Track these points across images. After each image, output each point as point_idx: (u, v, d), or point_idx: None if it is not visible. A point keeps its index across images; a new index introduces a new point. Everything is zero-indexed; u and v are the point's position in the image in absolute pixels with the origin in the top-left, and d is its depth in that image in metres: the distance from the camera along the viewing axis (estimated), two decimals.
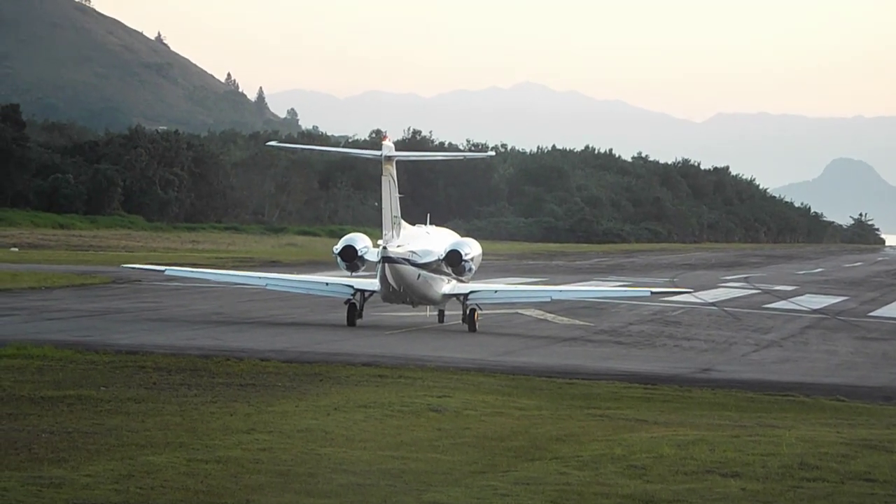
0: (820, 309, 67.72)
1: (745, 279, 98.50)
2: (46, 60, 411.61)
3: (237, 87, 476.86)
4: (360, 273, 48.85)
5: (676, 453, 22.45)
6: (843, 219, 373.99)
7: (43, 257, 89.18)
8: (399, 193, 47.31)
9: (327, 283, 49.81)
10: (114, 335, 40.55)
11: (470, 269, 48.46)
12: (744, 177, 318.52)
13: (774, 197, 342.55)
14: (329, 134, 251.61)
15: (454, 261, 47.70)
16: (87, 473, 19.37)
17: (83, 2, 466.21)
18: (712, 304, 67.91)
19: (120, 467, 19.89)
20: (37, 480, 18.77)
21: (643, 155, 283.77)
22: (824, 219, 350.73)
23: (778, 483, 20.48)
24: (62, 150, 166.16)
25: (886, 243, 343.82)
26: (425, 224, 51.17)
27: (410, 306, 49.56)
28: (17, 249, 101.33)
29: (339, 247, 48.33)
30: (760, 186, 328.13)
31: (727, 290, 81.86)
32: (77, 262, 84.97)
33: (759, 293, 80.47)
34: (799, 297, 76.83)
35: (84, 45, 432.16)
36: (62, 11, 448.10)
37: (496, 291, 50.78)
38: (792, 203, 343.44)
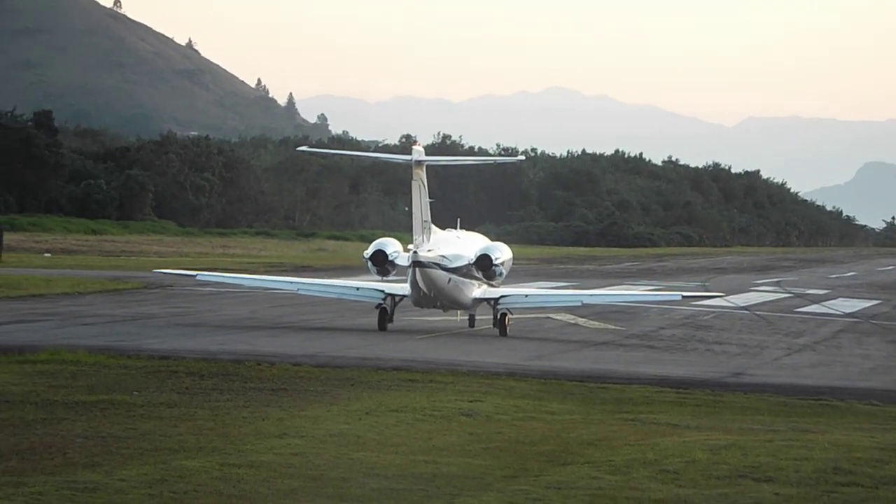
0: (853, 313, 67.38)
1: (777, 283, 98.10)
2: (79, 67, 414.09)
3: (267, 92, 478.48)
4: (391, 278, 48.91)
5: (709, 458, 22.39)
6: (876, 222, 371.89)
7: (76, 263, 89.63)
8: (429, 198, 47.34)
9: (358, 288, 49.87)
10: (146, 340, 40.71)
11: (500, 274, 48.42)
12: (775, 180, 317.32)
13: (806, 201, 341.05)
14: (359, 139, 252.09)
15: (484, 265, 47.67)
16: (120, 478, 19.46)
17: (115, 8, 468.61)
18: (744, 307, 67.66)
19: (153, 472, 19.97)
20: (71, 485, 18.87)
21: (674, 159, 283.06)
22: (856, 222, 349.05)
23: (811, 488, 20.39)
24: (94, 156, 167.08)
25: None
26: (455, 228, 51.17)
27: (441, 311, 49.56)
28: (50, 255, 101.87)
29: (369, 251, 48.39)
30: (791, 190, 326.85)
31: (759, 294, 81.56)
32: (109, 267, 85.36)
33: (791, 297, 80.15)
34: (831, 301, 76.46)
35: (116, 51, 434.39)
36: (94, 18, 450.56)
37: (527, 296, 50.72)
38: (823, 207, 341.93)
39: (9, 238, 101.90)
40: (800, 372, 39.72)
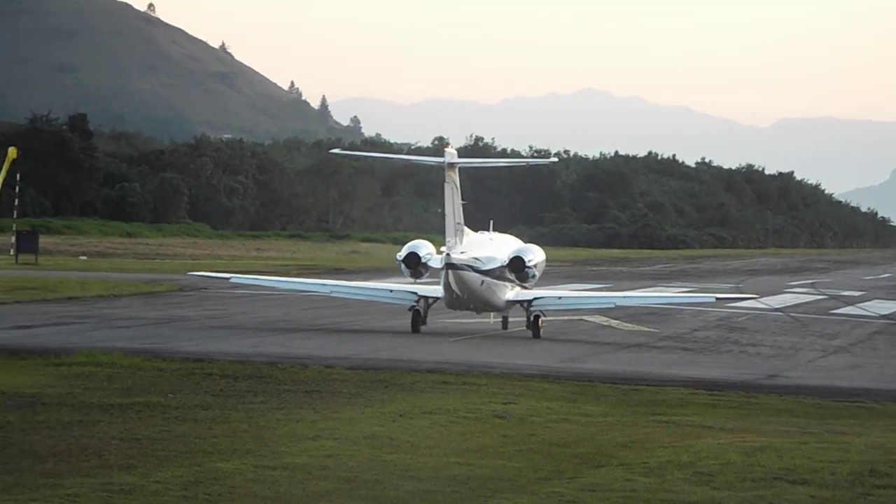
0: (888, 314, 67.01)
1: (812, 285, 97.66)
2: (113, 70, 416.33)
3: (300, 95, 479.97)
4: (424, 280, 48.94)
5: (743, 460, 22.32)
6: None
7: (111, 265, 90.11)
8: (462, 200, 47.36)
9: (391, 290, 49.92)
10: (181, 343, 40.88)
11: (533, 276, 48.39)
12: (809, 182, 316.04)
13: (840, 202, 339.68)
14: (392, 141, 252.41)
15: (517, 267, 47.66)
16: (156, 480, 19.57)
17: (149, 12, 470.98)
18: (778, 309, 67.39)
19: (188, 474, 20.07)
20: (107, 487, 18.99)
21: (707, 160, 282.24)
22: (892, 224, 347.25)
23: (847, 490, 20.31)
24: (129, 160, 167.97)
25: None
26: (488, 230, 51.17)
27: (474, 313, 49.57)
28: (85, 258, 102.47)
29: (402, 254, 48.44)
30: (826, 191, 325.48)
31: (793, 296, 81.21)
32: (144, 270, 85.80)
33: (825, 298, 79.78)
34: (866, 303, 76.05)
35: (149, 54, 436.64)
36: (128, 22, 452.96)
37: (560, 298, 50.65)
38: (858, 208, 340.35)
39: (44, 241, 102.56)
40: (835, 374, 39.53)
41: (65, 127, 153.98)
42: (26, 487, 18.81)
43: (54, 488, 18.77)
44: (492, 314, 50.00)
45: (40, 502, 17.97)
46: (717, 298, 57.35)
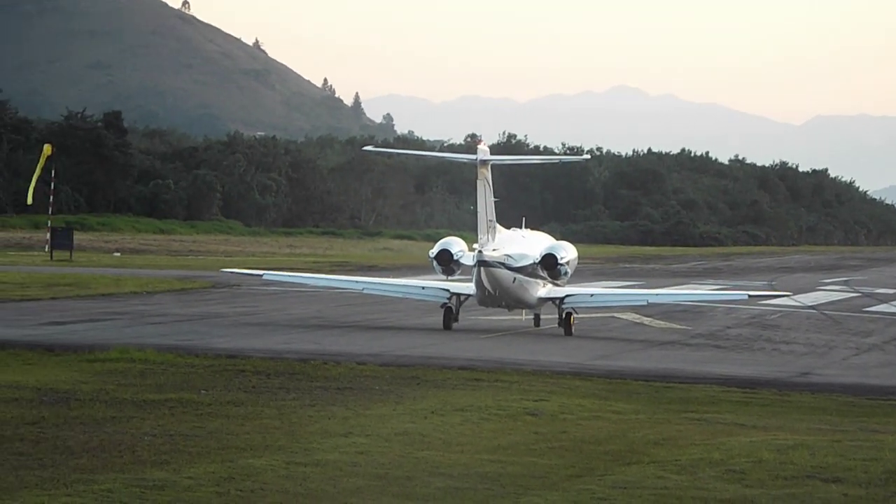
0: None
1: (846, 282, 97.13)
2: (147, 68, 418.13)
3: (334, 92, 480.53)
4: (456, 277, 48.95)
5: (776, 458, 22.25)
6: None
7: (145, 262, 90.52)
8: (494, 197, 47.34)
9: (423, 287, 49.96)
10: (213, 339, 41.03)
11: (566, 273, 48.33)
12: (843, 179, 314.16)
13: (875, 199, 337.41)
14: (424, 138, 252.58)
15: (550, 264, 47.61)
16: (188, 476, 19.66)
17: (183, 10, 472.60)
18: (811, 307, 67.07)
19: (220, 470, 20.15)
20: (140, 482, 19.09)
21: (740, 157, 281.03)
22: None
23: (881, 489, 20.21)
24: (162, 157, 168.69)
25: None
26: (520, 228, 51.13)
27: (506, 310, 49.55)
28: (119, 254, 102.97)
29: (434, 251, 48.46)
30: (860, 189, 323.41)
31: (826, 294, 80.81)
32: (177, 266, 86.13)
33: (859, 296, 79.33)
34: None
35: (184, 52, 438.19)
36: (162, 20, 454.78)
37: (592, 295, 50.58)
38: (893, 206, 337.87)
39: (79, 237, 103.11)
40: (868, 372, 39.34)
41: (99, 124, 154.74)
42: (60, 483, 18.94)
43: (87, 484, 18.88)
44: (524, 311, 49.97)
45: (74, 497, 18.09)
46: (750, 296, 57.17)
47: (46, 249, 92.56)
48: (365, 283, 52.23)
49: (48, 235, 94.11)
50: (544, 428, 25.58)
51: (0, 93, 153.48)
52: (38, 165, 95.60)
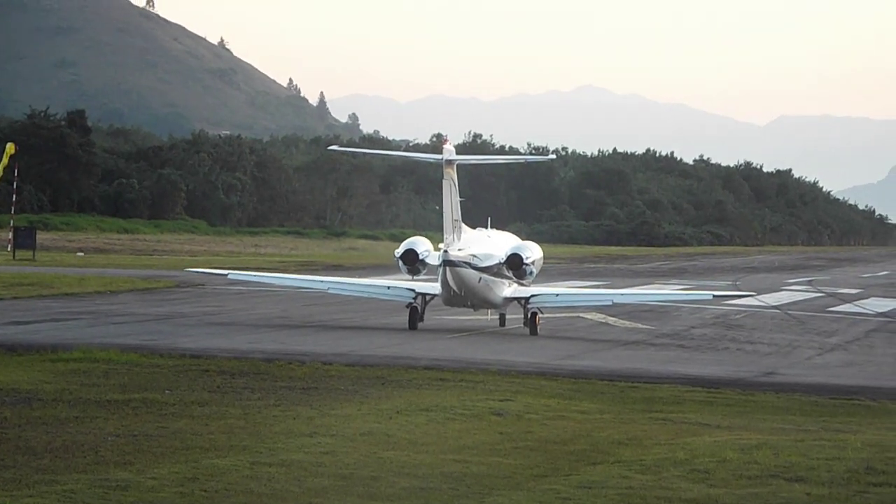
0: (885, 312, 67.03)
1: (809, 282, 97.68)
2: (111, 66, 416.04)
3: (299, 91, 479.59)
4: (422, 277, 48.94)
5: (740, 457, 22.33)
6: None
7: (108, 262, 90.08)
8: (460, 197, 47.35)
9: (389, 287, 49.94)
10: (178, 339, 40.86)
11: (531, 273, 48.40)
12: (807, 180, 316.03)
13: (838, 199, 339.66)
14: (390, 138, 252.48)
15: (515, 264, 47.66)
16: (152, 476, 19.57)
17: (148, 8, 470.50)
18: (775, 307, 67.41)
19: (184, 470, 20.07)
20: (103, 483, 18.99)
21: (705, 158, 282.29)
22: (889, 222, 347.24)
23: (844, 488, 20.31)
24: (127, 156, 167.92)
25: None
26: (486, 228, 51.17)
27: (472, 310, 49.57)
28: (82, 254, 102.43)
29: (400, 250, 48.43)
30: (824, 189, 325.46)
31: (790, 294, 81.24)
32: (141, 266, 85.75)
33: (822, 296, 79.80)
34: (864, 301, 76.07)
35: (148, 51, 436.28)
36: (127, 18, 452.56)
37: (557, 295, 50.67)
38: (856, 206, 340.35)
39: (42, 237, 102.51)
40: (832, 371, 39.55)
41: (63, 123, 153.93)
42: (22, 483, 18.82)
43: (50, 484, 18.77)
44: (489, 311, 50.01)
45: (36, 498, 17.98)
46: (715, 296, 57.44)
47: (9, 249, 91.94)
48: (330, 282, 52.15)
49: (10, 235, 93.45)
50: (509, 428, 25.59)
51: None
52: (1, 164, 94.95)
